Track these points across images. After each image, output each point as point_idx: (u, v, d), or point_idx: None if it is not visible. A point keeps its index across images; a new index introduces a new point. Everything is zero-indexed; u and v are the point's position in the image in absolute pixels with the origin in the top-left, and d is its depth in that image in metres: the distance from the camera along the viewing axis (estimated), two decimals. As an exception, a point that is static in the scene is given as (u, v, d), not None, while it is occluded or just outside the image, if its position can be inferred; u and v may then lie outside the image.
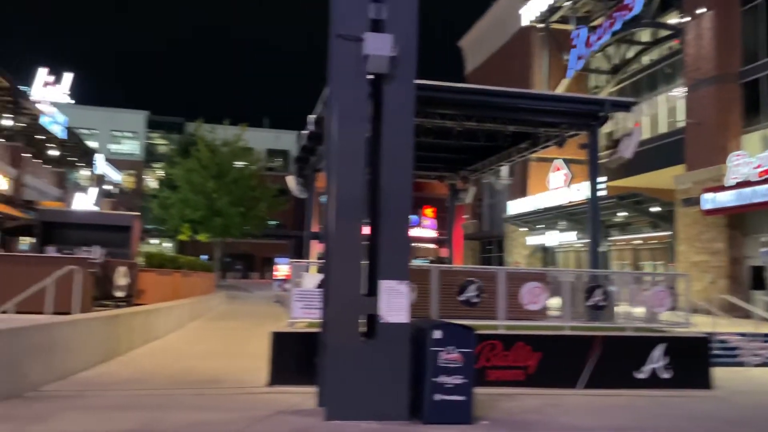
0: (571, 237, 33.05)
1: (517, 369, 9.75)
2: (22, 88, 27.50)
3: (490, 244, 45.10)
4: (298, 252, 61.78)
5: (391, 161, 7.55)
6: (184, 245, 49.65)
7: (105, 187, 46.49)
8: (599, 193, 28.26)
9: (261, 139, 57.28)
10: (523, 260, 36.70)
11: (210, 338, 14.02)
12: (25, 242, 28.82)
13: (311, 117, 15.61)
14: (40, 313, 10.57)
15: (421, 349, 7.38)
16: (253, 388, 9.22)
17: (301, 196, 22.05)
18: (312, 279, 10.99)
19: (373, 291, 7.47)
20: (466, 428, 7.05)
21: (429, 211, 61.31)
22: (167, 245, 56.24)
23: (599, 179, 19.34)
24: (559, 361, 9.89)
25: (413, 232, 58.38)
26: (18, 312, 9.56)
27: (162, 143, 67.11)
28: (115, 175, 50.43)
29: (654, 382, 10.04)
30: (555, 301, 11.81)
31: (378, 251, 7.47)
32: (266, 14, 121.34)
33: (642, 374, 10.11)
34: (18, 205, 27.15)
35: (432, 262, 46.18)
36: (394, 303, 7.38)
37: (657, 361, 10.16)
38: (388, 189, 7.51)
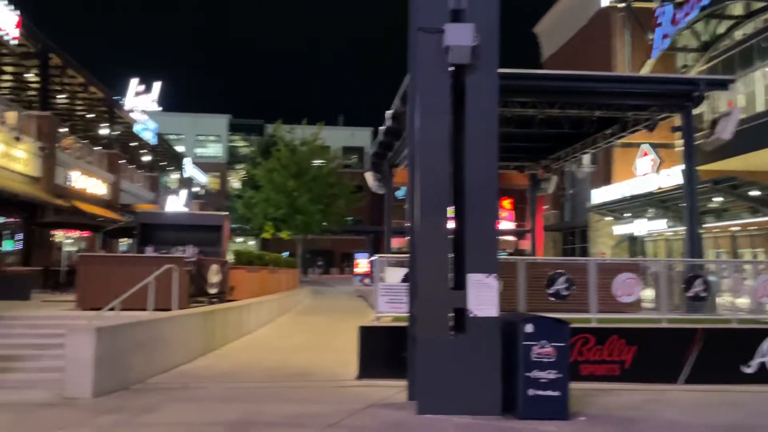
0: (660, 225, 31.45)
1: (611, 363, 9.39)
2: (115, 98, 29.32)
3: (572, 235, 43.70)
4: (376, 247, 62.49)
5: (476, 153, 7.44)
6: (267, 243, 51.27)
7: (193, 189, 48.78)
8: (692, 178, 26.85)
9: (336, 137, 58.13)
10: (608, 250, 35.31)
11: (299, 332, 14.41)
12: (124, 243, 30.74)
13: (388, 113, 15.67)
14: (143, 310, 11.20)
15: (512, 343, 7.26)
16: (343, 381, 9.40)
17: (379, 192, 22.20)
18: (396, 273, 11.05)
19: (460, 285, 7.41)
20: (562, 424, 6.87)
21: (506, 203, 60.23)
22: (251, 243, 58.31)
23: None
24: (657, 355, 9.45)
25: (492, 225, 57.39)
26: (123, 309, 10.17)
27: (243, 145, 69.53)
28: (201, 178, 52.75)
29: (763, 376, 9.40)
30: (648, 293, 11.30)
31: (464, 244, 7.40)
32: (339, 8, 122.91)
33: (749, 368, 9.49)
34: (116, 209, 28.95)
35: (511, 254, 45.39)
36: (484, 297, 7.29)
37: (766, 354, 9.51)
38: (474, 181, 7.41)
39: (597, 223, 36.98)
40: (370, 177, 21.20)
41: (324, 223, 38.49)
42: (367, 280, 36.93)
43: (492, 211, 7.52)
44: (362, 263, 37.81)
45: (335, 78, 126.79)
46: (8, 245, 21.29)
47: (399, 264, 11.94)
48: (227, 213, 16.87)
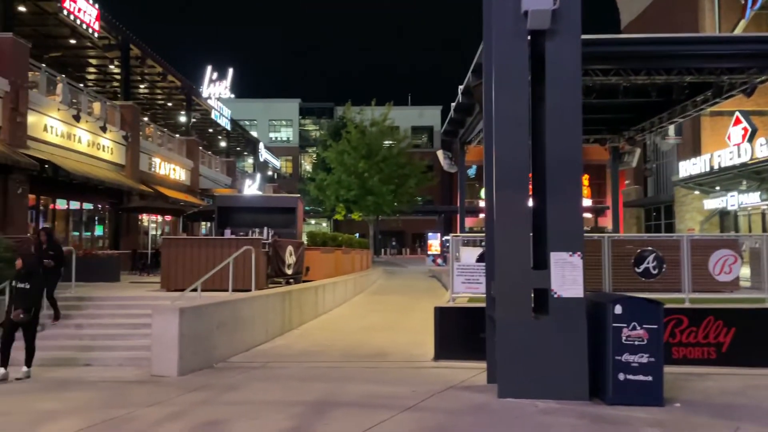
0: (755, 198, 29.35)
1: (707, 346, 8.76)
2: (192, 86, 30.22)
3: (657, 211, 41.61)
4: (448, 227, 62.02)
5: (558, 124, 7.01)
6: (339, 224, 51.90)
7: (267, 173, 49.95)
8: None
9: (405, 116, 57.76)
10: (696, 226, 33.37)
11: (373, 312, 14.43)
12: (204, 227, 31.89)
13: (461, 87, 15.22)
14: (223, 290, 11.50)
15: (600, 325, 6.86)
16: (420, 362, 9.27)
17: (451, 171, 21.79)
18: (471, 253, 10.77)
19: (542, 264, 7.05)
20: (656, 411, 6.43)
21: (583, 178, 58.03)
22: (323, 225, 59.23)
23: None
24: (758, 338, 8.74)
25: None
26: (204, 290, 10.44)
27: (313, 128, 70.53)
28: (274, 162, 53.92)
29: None
30: (744, 271, 10.46)
31: (546, 221, 7.02)
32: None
33: None
34: (196, 193, 30.02)
35: (588, 232, 43.74)
36: (568, 276, 6.91)
37: None
38: (556, 154, 7.00)
39: (684, 198, 35.01)
40: (441, 155, 20.83)
41: (395, 204, 38.42)
42: (439, 260, 36.70)
43: (576, 186, 7.09)
44: (435, 243, 37.46)
45: (403, 57, 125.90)
46: (99, 230, 22.50)
47: (474, 243, 11.66)
48: (300, 195, 17.02)
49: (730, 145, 28.97)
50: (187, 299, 10.11)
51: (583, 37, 7.23)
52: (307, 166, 69.92)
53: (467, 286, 9.58)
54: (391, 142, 39.04)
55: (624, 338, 6.69)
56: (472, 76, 13.21)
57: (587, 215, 59.27)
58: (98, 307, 11.32)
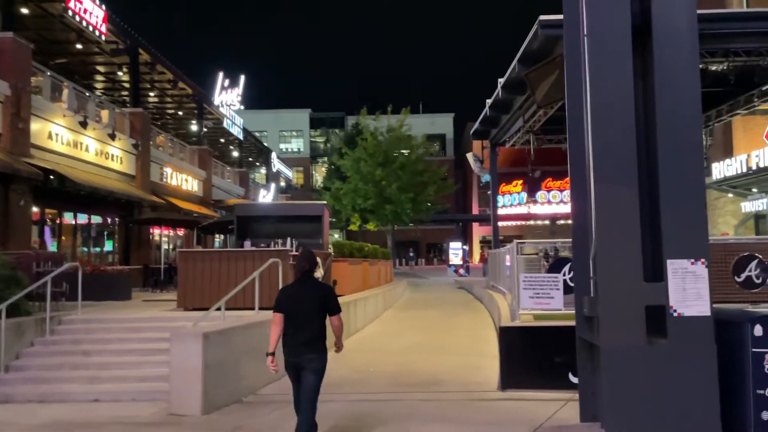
0: (797, 200, 27.80)
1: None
2: (204, 93, 29.13)
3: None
4: (465, 236, 60.53)
5: (672, 97, 5.66)
6: (352, 235, 50.58)
7: (280, 183, 48.83)
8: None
9: (417, 124, 56.53)
10: (731, 230, 31.81)
11: (409, 330, 13.06)
12: (218, 239, 30.67)
13: (501, 80, 13.92)
14: (248, 309, 10.18)
15: (732, 350, 5.46)
16: (483, 392, 7.90)
17: (481, 174, 20.48)
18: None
19: (655, 275, 5.67)
20: (817, 461, 5.03)
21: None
22: (335, 236, 58.01)
23: None
24: None
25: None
26: (227, 309, 9.15)
27: (321, 140, 69.62)
28: (287, 172, 52.82)
29: None
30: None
31: (661, 221, 5.65)
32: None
33: None
34: (209, 204, 28.83)
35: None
36: (690, 289, 5.52)
37: None
38: (671, 135, 5.64)
39: (716, 201, 33.45)
40: (471, 158, 19.54)
41: (412, 213, 37.06)
42: (462, 271, 35.27)
43: (699, 174, 5.72)
44: (458, 253, 35.99)
45: (411, 65, 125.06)
46: (108, 245, 21.28)
47: (536, 250, 10.32)
48: (326, 202, 15.73)
49: (768, 144, 27.44)
50: (209, 320, 8.80)
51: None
52: (318, 177, 68.88)
53: (536, 302, 8.20)
54: (406, 150, 37.73)
55: (767, 367, 5.29)
56: (520, 66, 11.91)
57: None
58: (108, 330, 10.00)
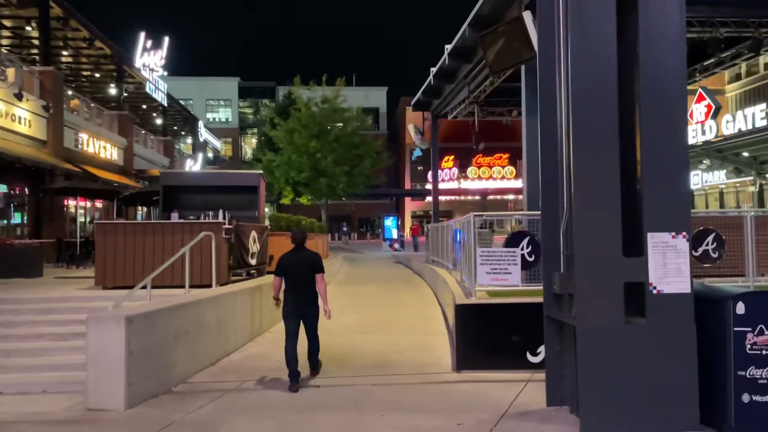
0: (720, 177, 29.10)
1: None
2: (123, 54, 26.94)
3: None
4: (396, 211, 60.25)
5: (654, 59, 5.20)
6: (284, 209, 49.26)
7: (208, 154, 46.70)
8: (763, 122, 24.23)
9: (351, 97, 55.59)
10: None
11: (350, 307, 12.42)
12: (140, 212, 28.83)
13: (448, 47, 13.29)
14: (174, 287, 9.25)
15: (712, 329, 5.16)
16: (437, 374, 7.41)
17: (422, 147, 19.96)
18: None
19: (633, 249, 5.27)
20: (797, 443, 4.81)
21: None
22: (266, 210, 56.38)
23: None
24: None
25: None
26: (154, 287, 8.19)
27: (250, 111, 67.32)
28: (215, 142, 50.61)
29: None
30: None
31: (640, 191, 5.23)
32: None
33: None
34: (130, 174, 26.92)
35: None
36: (671, 265, 5.16)
37: None
38: (653, 98, 5.20)
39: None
40: (411, 130, 18.97)
41: (348, 186, 36.18)
42: (396, 245, 34.93)
43: (682, 138, 5.33)
44: (394, 228, 35.59)
45: (344, 36, 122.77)
46: (16, 217, 19.33)
47: (488, 225, 9.88)
48: (261, 172, 14.71)
49: (693, 122, 28.43)
50: (132, 300, 7.83)
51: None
52: (248, 149, 66.58)
53: (493, 278, 7.74)
54: (341, 123, 36.62)
55: (749, 347, 5.01)
56: (471, 30, 11.32)
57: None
58: (14, 312, 8.80)
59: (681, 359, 5.09)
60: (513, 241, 7.84)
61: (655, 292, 5.15)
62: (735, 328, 5.01)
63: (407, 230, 53.97)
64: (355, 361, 8.11)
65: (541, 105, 5.99)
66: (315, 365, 7.28)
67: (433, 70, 15.30)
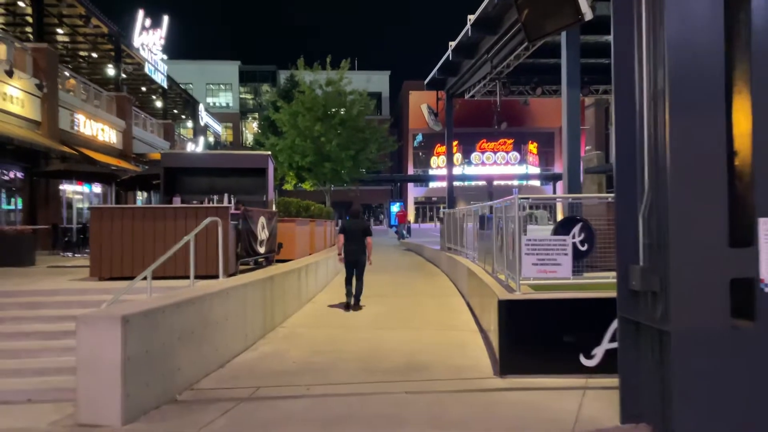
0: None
1: None
2: (122, 33, 25.86)
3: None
4: (399, 197, 59.28)
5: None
6: (286, 195, 48.26)
7: (209, 138, 45.66)
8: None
9: (354, 81, 54.64)
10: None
11: (369, 298, 11.50)
12: (140, 197, 27.89)
13: (471, 17, 12.24)
14: (178, 278, 8.37)
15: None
16: (479, 380, 6.49)
17: (435, 128, 18.98)
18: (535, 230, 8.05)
19: (740, 239, 4.33)
20: None
21: (532, 147, 56.93)
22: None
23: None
24: None
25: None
26: (155, 278, 7.28)
27: (250, 97, 66.20)
28: (216, 126, 49.54)
29: None
30: None
31: (752, 169, 4.28)
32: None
33: None
34: (129, 158, 25.96)
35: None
36: (787, 257, 4.22)
37: None
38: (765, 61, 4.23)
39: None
40: (425, 110, 17.97)
41: (353, 172, 35.09)
42: (404, 232, 34.02)
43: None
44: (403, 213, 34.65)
45: (347, 20, 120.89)
46: (9, 201, 18.39)
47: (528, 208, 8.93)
48: (270, 153, 13.73)
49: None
50: (131, 294, 6.92)
51: None
52: (248, 134, 65.48)
53: (540, 269, 6.81)
54: (343, 109, 35.44)
55: None
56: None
57: (536, 183, 58.17)
58: (-1, 306, 7.90)
59: (799, 372, 4.17)
60: (563, 228, 6.91)
61: (767, 290, 4.22)
62: None
63: (411, 216, 53.07)
64: (382, 363, 7.20)
65: (615, 68, 5.01)
66: (358, 301, 10.65)
67: (452, 44, 14.27)
